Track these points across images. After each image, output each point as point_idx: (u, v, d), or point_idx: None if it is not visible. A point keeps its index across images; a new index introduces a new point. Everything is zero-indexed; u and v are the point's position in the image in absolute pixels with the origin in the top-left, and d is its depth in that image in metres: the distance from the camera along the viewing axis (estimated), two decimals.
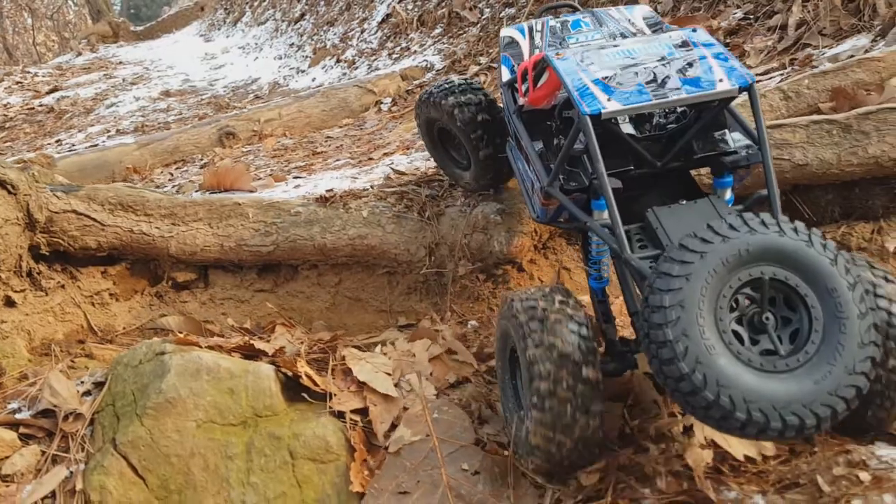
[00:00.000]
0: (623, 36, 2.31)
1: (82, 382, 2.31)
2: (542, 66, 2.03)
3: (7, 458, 2.09)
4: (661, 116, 1.97)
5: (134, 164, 5.24)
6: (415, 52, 6.51)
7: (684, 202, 1.85)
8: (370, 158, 4.21)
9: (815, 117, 2.55)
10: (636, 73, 1.79)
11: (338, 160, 4.36)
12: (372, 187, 3.20)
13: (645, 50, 1.86)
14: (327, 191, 3.17)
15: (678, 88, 1.73)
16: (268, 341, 2.51)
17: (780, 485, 1.69)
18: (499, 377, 2.04)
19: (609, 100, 1.73)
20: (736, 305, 1.46)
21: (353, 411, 2.18)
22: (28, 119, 8.07)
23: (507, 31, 2.56)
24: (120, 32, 13.92)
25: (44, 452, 2.13)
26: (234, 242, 2.99)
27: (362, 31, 7.61)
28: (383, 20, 7.39)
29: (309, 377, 2.23)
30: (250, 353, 2.35)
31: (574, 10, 2.72)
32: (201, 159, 5.26)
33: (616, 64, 1.83)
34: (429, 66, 6.08)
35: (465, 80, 2.75)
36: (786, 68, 3.27)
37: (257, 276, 3.11)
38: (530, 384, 1.71)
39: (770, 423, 1.34)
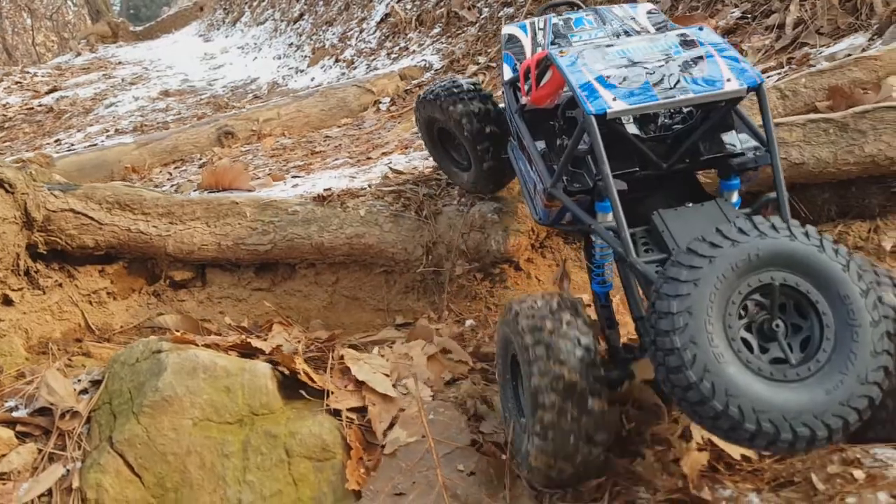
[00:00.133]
0: (627, 34, 2.26)
1: (79, 381, 2.31)
2: (545, 64, 1.99)
3: (4, 456, 2.09)
4: (666, 117, 1.91)
5: (133, 164, 5.24)
6: (413, 51, 6.51)
7: (691, 205, 1.80)
8: (368, 158, 4.21)
9: (812, 116, 2.56)
10: (642, 72, 1.74)
11: (336, 159, 4.36)
12: (369, 186, 3.20)
13: (650, 48, 1.81)
14: (325, 190, 3.17)
15: (685, 88, 1.69)
16: (265, 340, 2.51)
17: (775, 483, 1.69)
18: (499, 378, 2.00)
19: (615, 99, 1.68)
20: (745, 312, 1.42)
21: (350, 410, 2.18)
22: (27, 119, 8.08)
23: (508, 29, 2.52)
24: (119, 33, 13.93)
25: (40, 450, 2.13)
26: (232, 241, 2.99)
27: (361, 31, 7.61)
28: (382, 20, 7.39)
29: (306, 374, 2.23)
30: (247, 352, 2.35)
31: (577, 7, 2.68)
32: (200, 159, 5.26)
33: (621, 62, 1.78)
34: (427, 65, 6.09)
35: (474, 85, 2.66)
36: (783, 67, 3.27)
37: (255, 274, 3.11)
38: (533, 411, 1.65)
39: (780, 434, 1.30)
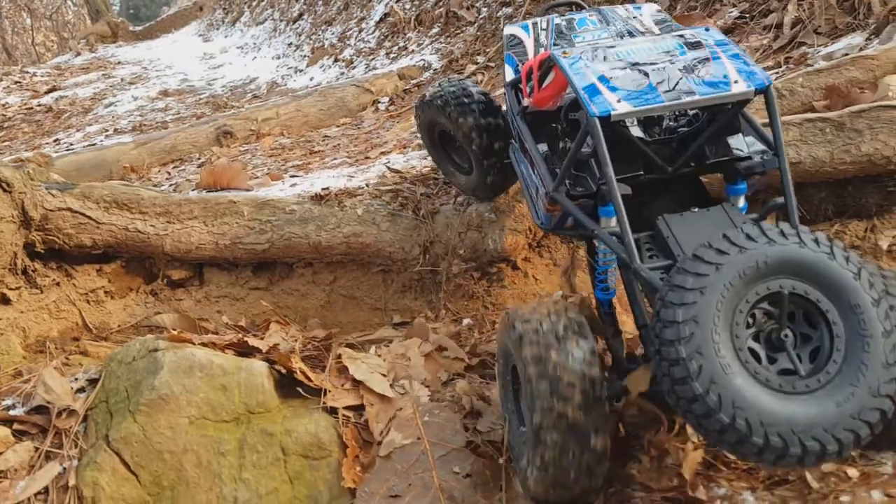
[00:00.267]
0: (631, 35, 2.23)
1: (76, 379, 2.32)
2: (547, 65, 1.95)
3: (1, 454, 2.10)
4: (671, 119, 1.87)
5: (131, 164, 5.24)
6: (412, 51, 6.51)
7: (696, 210, 1.76)
8: (367, 157, 4.21)
9: (809, 115, 2.56)
10: (647, 74, 1.70)
11: (335, 159, 4.36)
12: (367, 185, 3.20)
13: (655, 49, 1.77)
14: (323, 189, 3.18)
15: (691, 90, 1.65)
16: (262, 339, 2.52)
17: (770, 481, 1.70)
18: (499, 378, 1.97)
19: (619, 101, 1.64)
20: (753, 321, 1.38)
21: (347, 408, 2.19)
22: (26, 119, 8.08)
23: (511, 30, 2.47)
24: (119, 32, 13.92)
25: (37, 449, 2.13)
26: (229, 240, 2.99)
27: (360, 31, 7.62)
28: (381, 20, 7.39)
29: (303, 373, 2.23)
30: (244, 350, 2.35)
31: (580, 7, 2.64)
32: (199, 158, 5.26)
33: (626, 63, 1.74)
34: (426, 65, 6.09)
35: (485, 95, 2.55)
36: (781, 67, 3.28)
37: (252, 273, 3.11)
38: (535, 444, 1.63)
39: (789, 448, 1.26)
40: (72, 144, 6.40)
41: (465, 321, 2.78)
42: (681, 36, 1.81)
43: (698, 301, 1.33)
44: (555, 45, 2.29)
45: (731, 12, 3.96)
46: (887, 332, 1.33)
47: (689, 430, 1.83)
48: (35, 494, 2.03)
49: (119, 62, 11.26)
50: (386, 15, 7.33)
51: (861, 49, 3.03)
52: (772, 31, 3.62)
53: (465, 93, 2.53)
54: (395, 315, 2.97)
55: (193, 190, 3.67)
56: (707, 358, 1.30)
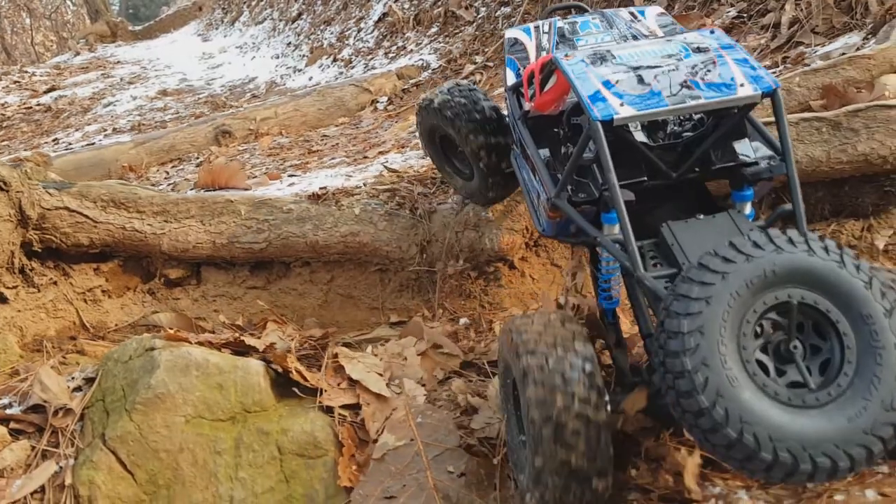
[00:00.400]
0: (635, 38, 2.19)
1: (73, 378, 2.32)
2: (549, 68, 1.90)
3: None
4: (675, 124, 1.81)
5: (130, 163, 5.24)
6: (411, 51, 6.51)
7: (701, 217, 1.71)
8: (365, 157, 4.22)
9: (805, 115, 2.56)
10: (651, 77, 1.65)
11: (333, 158, 4.37)
12: (364, 185, 3.20)
13: (659, 52, 1.72)
14: (320, 188, 3.18)
15: (696, 93, 1.60)
16: (258, 338, 2.52)
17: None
18: (499, 381, 1.94)
19: (622, 105, 1.59)
20: (760, 332, 1.33)
21: (343, 407, 2.19)
22: (25, 118, 8.08)
23: (512, 33, 2.43)
24: (118, 32, 13.92)
25: (34, 447, 2.13)
26: (227, 239, 2.99)
27: (359, 31, 7.62)
28: (380, 19, 7.40)
29: (299, 372, 2.23)
30: (240, 350, 2.35)
31: (583, 10, 2.60)
32: (197, 158, 5.26)
33: (629, 67, 1.69)
34: (425, 65, 6.09)
35: (496, 112, 2.45)
36: (778, 66, 3.28)
37: (250, 273, 3.11)
38: (535, 483, 1.58)
39: (799, 465, 1.21)
40: (70, 144, 6.40)
41: (462, 320, 2.78)
42: (686, 39, 1.77)
43: (704, 311, 1.29)
44: (557, 48, 2.25)
45: (729, 12, 3.97)
46: None
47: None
48: (31, 493, 2.03)
49: (118, 62, 11.26)
50: (384, 15, 7.34)
51: (858, 49, 3.03)
52: (769, 30, 3.63)
53: (477, 108, 2.43)
54: (393, 314, 2.97)
55: (191, 189, 3.67)
56: (713, 370, 1.25)
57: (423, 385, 2.29)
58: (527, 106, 2.10)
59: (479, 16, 6.15)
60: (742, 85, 1.60)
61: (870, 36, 3.15)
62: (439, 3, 6.67)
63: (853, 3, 3.36)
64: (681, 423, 1.32)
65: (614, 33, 2.24)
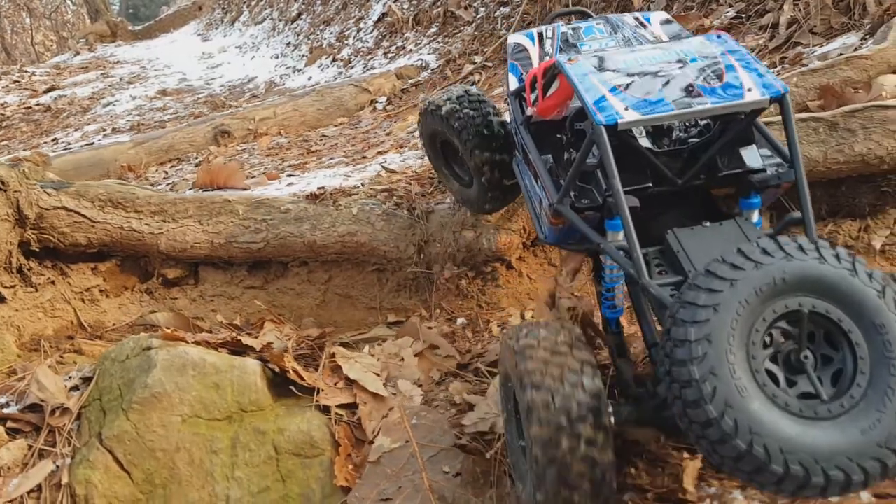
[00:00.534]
0: (640, 43, 2.15)
1: (70, 378, 2.32)
2: (552, 73, 1.87)
3: None
4: (681, 129, 1.78)
5: (129, 163, 5.24)
6: (410, 51, 6.52)
7: (708, 224, 1.68)
8: (364, 157, 4.22)
9: (803, 115, 2.56)
10: (656, 81, 1.62)
11: (332, 158, 4.37)
12: (362, 185, 3.20)
13: (665, 57, 1.69)
14: (318, 188, 3.18)
15: (702, 98, 1.56)
16: (256, 337, 2.52)
17: None
18: (499, 380, 1.91)
19: (626, 109, 1.56)
20: (770, 341, 1.29)
21: (339, 406, 2.19)
22: (25, 118, 8.08)
23: (515, 38, 2.40)
24: (118, 32, 13.94)
25: (30, 447, 2.14)
26: (224, 239, 2.99)
27: (358, 31, 7.62)
28: (379, 19, 7.41)
29: (296, 372, 2.24)
30: (237, 349, 2.35)
31: (586, 16, 2.56)
32: (196, 158, 5.27)
33: (634, 71, 1.66)
34: (424, 65, 6.10)
35: (504, 126, 2.40)
36: (776, 67, 3.28)
37: (247, 272, 3.12)
38: None
39: (811, 478, 1.17)
40: (70, 144, 6.40)
41: (460, 320, 2.78)
42: (691, 43, 1.74)
43: (712, 319, 1.24)
44: (561, 53, 2.22)
45: (728, 12, 3.97)
46: None
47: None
48: (28, 492, 2.03)
49: (118, 62, 11.26)
50: (384, 15, 7.34)
51: (856, 49, 3.04)
52: (768, 31, 3.63)
53: (486, 121, 2.39)
54: (390, 314, 2.97)
55: (190, 189, 3.67)
56: (722, 380, 1.21)
57: (420, 386, 2.29)
58: (529, 111, 2.07)
59: (479, 16, 6.15)
60: (750, 90, 1.57)
61: (868, 36, 3.15)
62: (438, 3, 6.68)
63: (851, 4, 3.36)
64: (687, 435, 1.29)
65: (619, 38, 2.22)
